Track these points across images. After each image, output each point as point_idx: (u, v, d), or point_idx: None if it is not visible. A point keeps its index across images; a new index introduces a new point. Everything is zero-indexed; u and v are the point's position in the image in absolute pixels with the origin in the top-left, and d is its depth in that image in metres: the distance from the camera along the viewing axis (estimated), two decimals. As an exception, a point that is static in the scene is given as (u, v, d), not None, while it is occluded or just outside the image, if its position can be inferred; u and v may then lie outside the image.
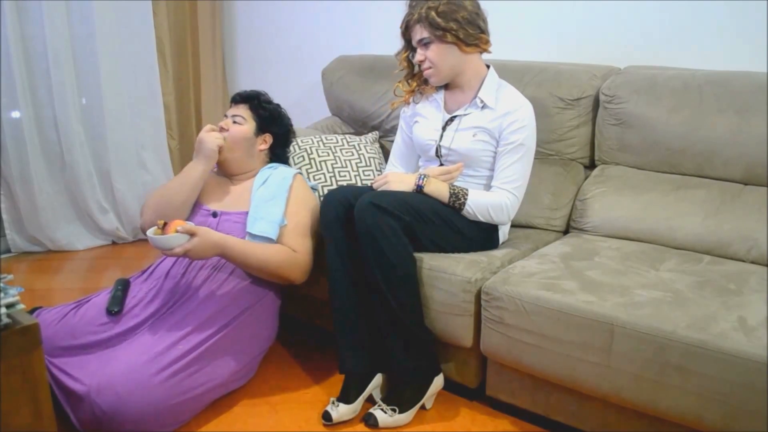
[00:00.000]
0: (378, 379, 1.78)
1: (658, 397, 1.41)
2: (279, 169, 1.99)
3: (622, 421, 1.55)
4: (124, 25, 2.98)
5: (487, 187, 1.86)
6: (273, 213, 1.85)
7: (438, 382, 1.78)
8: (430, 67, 1.81)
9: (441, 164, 1.90)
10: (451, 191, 1.77)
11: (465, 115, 1.85)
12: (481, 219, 1.79)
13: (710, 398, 1.35)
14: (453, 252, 1.81)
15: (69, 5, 2.80)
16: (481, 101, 1.82)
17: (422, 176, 1.78)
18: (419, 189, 1.76)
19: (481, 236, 1.85)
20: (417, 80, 1.93)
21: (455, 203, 1.77)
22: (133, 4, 2.99)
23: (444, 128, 1.88)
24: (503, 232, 1.93)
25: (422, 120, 1.95)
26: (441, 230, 1.78)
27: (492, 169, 1.85)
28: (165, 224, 1.63)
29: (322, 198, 2.16)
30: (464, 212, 1.78)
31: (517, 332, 1.60)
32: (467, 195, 1.77)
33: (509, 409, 1.78)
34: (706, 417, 1.36)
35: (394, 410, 1.68)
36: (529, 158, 1.82)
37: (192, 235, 1.62)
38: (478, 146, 1.82)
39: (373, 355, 1.76)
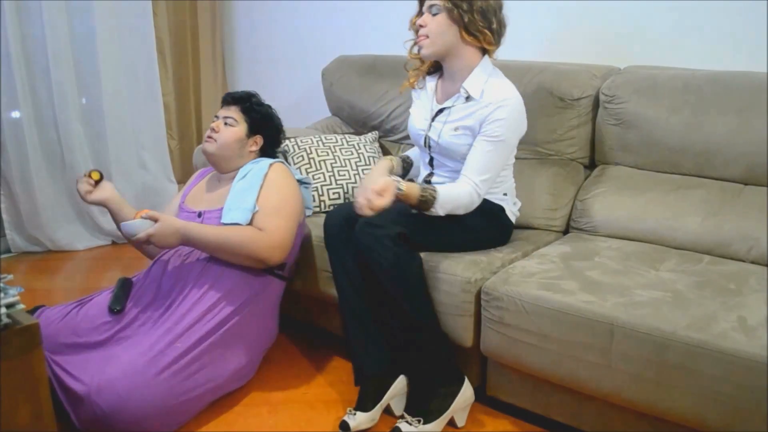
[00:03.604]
0: (395, 388, 1.74)
1: (658, 397, 1.41)
2: (260, 162, 1.97)
3: (622, 421, 1.55)
4: (124, 25, 2.98)
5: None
6: (246, 201, 1.85)
7: (466, 394, 1.73)
8: (426, 36, 1.76)
9: (431, 157, 1.90)
10: (421, 198, 1.67)
11: (451, 107, 1.82)
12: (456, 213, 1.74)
13: (710, 398, 1.35)
14: (466, 249, 1.81)
15: (69, 5, 2.80)
16: (465, 91, 1.78)
17: (399, 184, 1.65)
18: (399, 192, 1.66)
19: (491, 224, 1.86)
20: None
21: (421, 207, 1.69)
22: (133, 4, 2.99)
23: (433, 119, 1.87)
24: (511, 212, 1.92)
25: (414, 109, 1.94)
26: (447, 230, 1.78)
27: None
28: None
29: (323, 205, 2.17)
30: (430, 213, 1.72)
31: (517, 332, 1.60)
32: (436, 200, 1.67)
33: (509, 409, 1.78)
34: (707, 417, 1.36)
35: (419, 421, 1.65)
36: (504, 152, 1.77)
37: (155, 221, 1.68)
38: (458, 140, 1.79)
39: (389, 360, 1.74)
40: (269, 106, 2.07)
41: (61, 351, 1.68)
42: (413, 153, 2.07)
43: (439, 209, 1.69)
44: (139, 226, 1.68)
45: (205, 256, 1.83)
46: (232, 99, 2.02)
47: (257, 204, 1.85)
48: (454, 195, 1.71)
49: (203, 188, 2.05)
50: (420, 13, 1.81)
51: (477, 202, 1.75)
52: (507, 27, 1.78)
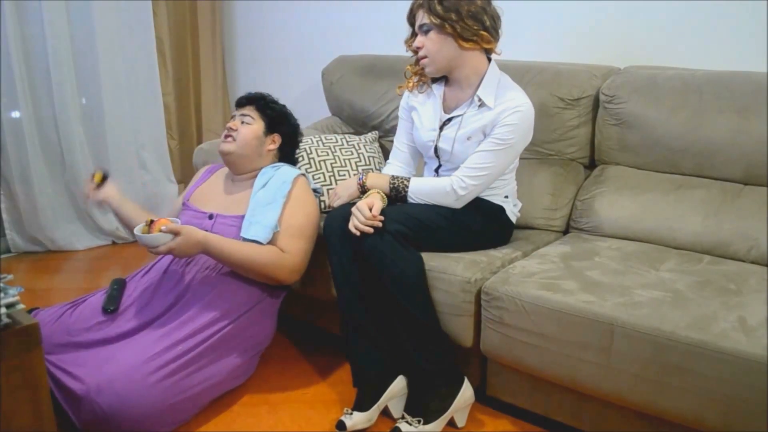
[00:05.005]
0: (393, 389, 1.73)
1: (658, 397, 1.41)
2: (281, 169, 1.96)
3: (622, 421, 1.55)
4: (124, 25, 2.98)
5: (491, 190, 1.85)
6: (268, 218, 1.83)
7: (466, 394, 1.72)
8: (425, 56, 1.77)
9: (440, 164, 1.90)
10: (391, 185, 1.84)
11: (463, 115, 1.81)
12: (432, 203, 1.81)
13: (710, 398, 1.35)
14: (466, 249, 1.81)
15: (69, 5, 2.80)
16: (479, 99, 1.78)
17: (361, 175, 1.90)
18: (362, 187, 1.89)
19: (491, 224, 1.86)
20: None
21: (396, 196, 1.83)
22: (133, 4, 2.99)
23: (441, 128, 1.86)
24: (512, 212, 1.91)
25: (418, 118, 1.92)
26: (449, 231, 1.78)
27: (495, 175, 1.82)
28: (152, 222, 1.66)
29: (323, 205, 2.17)
30: (408, 201, 1.83)
31: (517, 332, 1.60)
32: (407, 188, 1.82)
33: (509, 409, 1.78)
34: (706, 417, 1.36)
35: (419, 421, 1.65)
36: (508, 157, 1.77)
37: (176, 234, 1.64)
38: (472, 149, 1.79)
39: (388, 359, 1.74)
40: (284, 106, 2.08)
41: (55, 351, 1.68)
42: (401, 170, 2.00)
43: (413, 195, 1.82)
44: (160, 239, 1.63)
45: (208, 264, 1.83)
46: (246, 100, 2.02)
47: (279, 223, 1.83)
48: (426, 182, 1.83)
49: (215, 187, 2.02)
50: (414, 34, 1.82)
51: (461, 198, 1.78)
52: (501, 17, 1.78)
